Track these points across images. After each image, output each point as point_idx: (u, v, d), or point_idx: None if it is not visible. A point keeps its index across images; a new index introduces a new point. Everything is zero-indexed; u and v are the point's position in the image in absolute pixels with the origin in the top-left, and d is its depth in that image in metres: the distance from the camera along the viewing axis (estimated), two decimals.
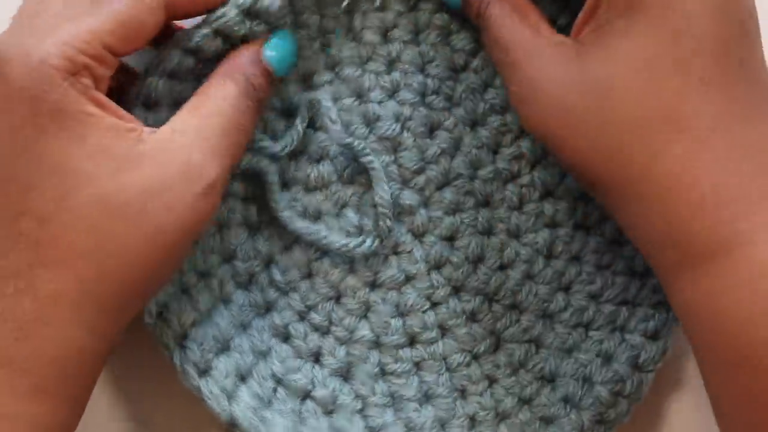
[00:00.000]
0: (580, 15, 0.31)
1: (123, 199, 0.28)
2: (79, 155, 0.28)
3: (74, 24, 0.29)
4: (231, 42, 0.32)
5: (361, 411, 0.35)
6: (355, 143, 0.35)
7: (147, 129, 0.30)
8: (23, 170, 0.28)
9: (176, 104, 0.32)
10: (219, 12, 0.32)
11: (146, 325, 0.34)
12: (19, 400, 0.28)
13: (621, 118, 0.29)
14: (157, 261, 0.29)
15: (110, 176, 0.28)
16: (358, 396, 0.35)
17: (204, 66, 0.33)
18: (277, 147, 0.35)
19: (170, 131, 0.30)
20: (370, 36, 0.36)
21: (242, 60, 0.32)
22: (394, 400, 0.36)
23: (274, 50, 0.33)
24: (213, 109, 0.31)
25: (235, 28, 0.32)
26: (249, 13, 0.32)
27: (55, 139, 0.28)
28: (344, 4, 0.35)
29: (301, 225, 0.35)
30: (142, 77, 0.33)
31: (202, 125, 0.30)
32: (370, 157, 0.35)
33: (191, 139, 0.30)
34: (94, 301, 0.28)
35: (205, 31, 0.32)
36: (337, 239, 0.35)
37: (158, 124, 0.30)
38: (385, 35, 0.36)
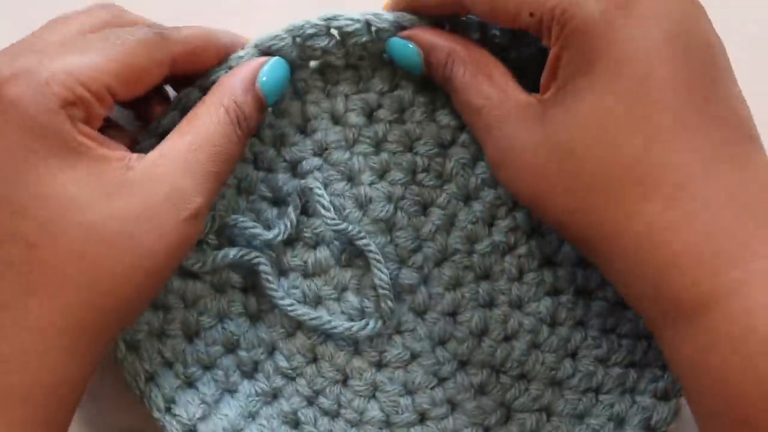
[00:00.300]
0: (544, 73, 0.30)
1: (111, 226, 0.29)
2: (68, 181, 0.28)
3: (82, 56, 0.29)
4: None
5: None
6: (350, 228, 0.35)
7: (135, 155, 0.30)
8: (12, 192, 0.28)
9: None
10: (240, 53, 0.33)
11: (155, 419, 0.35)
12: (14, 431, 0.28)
13: (587, 180, 0.29)
14: (143, 286, 0.30)
15: (99, 203, 0.28)
16: None
17: None
18: (270, 235, 0.35)
19: (158, 156, 0.30)
20: (355, 118, 0.36)
21: (235, 84, 0.32)
22: None
23: (267, 77, 0.33)
24: (202, 135, 0.31)
25: None
26: (264, 54, 0.33)
27: (45, 163, 0.28)
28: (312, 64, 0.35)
29: (302, 311, 0.35)
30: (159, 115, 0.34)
31: (189, 151, 0.30)
32: (365, 241, 0.35)
33: (178, 164, 0.30)
34: (81, 328, 0.29)
35: (223, 71, 0.33)
36: (340, 323, 0.35)
37: None
38: (370, 116, 0.36)
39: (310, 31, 0.33)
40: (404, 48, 0.33)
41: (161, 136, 0.32)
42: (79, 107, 0.29)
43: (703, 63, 0.28)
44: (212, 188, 0.31)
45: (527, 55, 0.34)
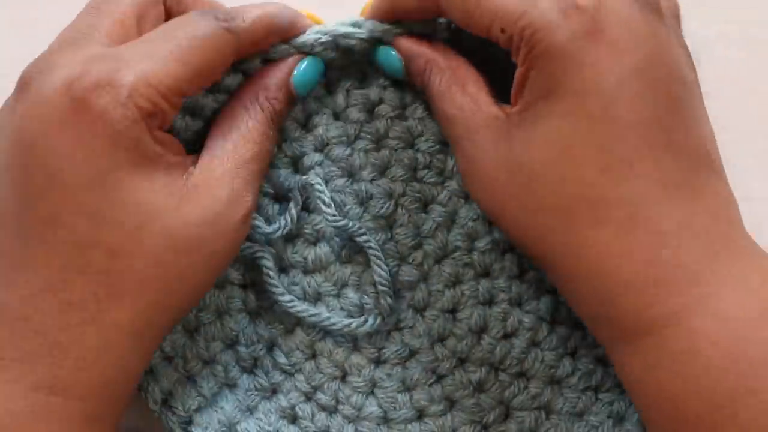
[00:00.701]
0: (513, 88, 0.31)
1: (186, 231, 0.30)
2: (148, 191, 0.29)
3: (156, 63, 0.29)
4: None
5: None
6: (350, 225, 0.35)
7: (190, 158, 0.31)
8: (95, 202, 0.29)
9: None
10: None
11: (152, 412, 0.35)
12: (72, 428, 0.29)
13: (543, 203, 0.30)
14: (207, 284, 0.32)
15: (174, 210, 0.30)
16: None
17: None
18: (270, 229, 0.35)
19: (210, 159, 0.31)
20: (356, 114, 0.36)
21: (271, 82, 0.33)
22: None
23: (303, 75, 0.34)
24: (244, 135, 0.32)
25: None
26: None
27: (128, 174, 0.29)
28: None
29: (302, 308, 0.35)
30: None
31: (235, 152, 0.32)
32: (365, 237, 0.35)
33: (230, 166, 0.31)
34: (149, 327, 0.30)
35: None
36: (339, 320, 0.35)
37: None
38: (371, 112, 0.36)
39: (318, 49, 0.34)
40: (387, 54, 0.34)
41: (192, 112, 0.33)
42: (158, 117, 0.29)
43: (669, 95, 0.29)
44: (257, 186, 0.33)
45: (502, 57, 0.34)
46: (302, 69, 0.34)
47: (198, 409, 0.35)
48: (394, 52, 0.34)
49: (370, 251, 0.35)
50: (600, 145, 0.28)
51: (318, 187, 0.35)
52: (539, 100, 0.29)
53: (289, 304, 0.35)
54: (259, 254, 0.35)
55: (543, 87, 0.29)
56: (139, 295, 0.29)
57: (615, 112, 0.28)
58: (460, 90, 0.32)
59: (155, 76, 0.29)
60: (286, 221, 0.35)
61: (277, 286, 0.35)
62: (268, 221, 0.36)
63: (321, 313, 0.35)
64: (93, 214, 0.29)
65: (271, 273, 0.35)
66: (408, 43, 0.34)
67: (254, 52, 0.33)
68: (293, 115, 0.36)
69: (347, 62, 0.35)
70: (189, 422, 0.35)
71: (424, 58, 0.33)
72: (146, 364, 0.32)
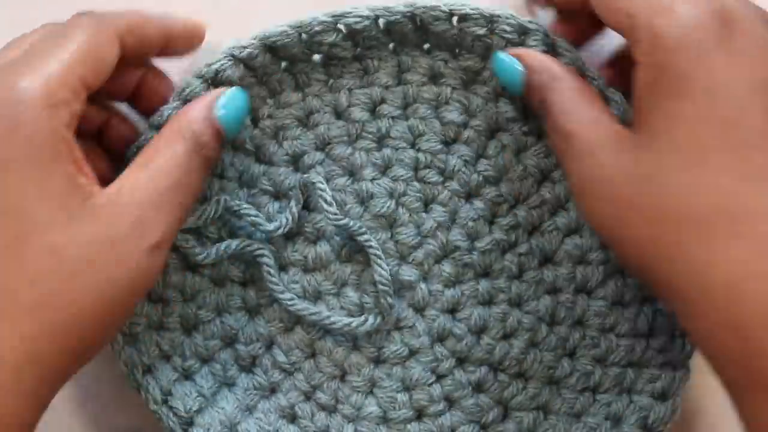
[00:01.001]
0: (636, 89, 0.29)
1: (73, 251, 0.27)
2: (35, 198, 0.27)
3: (51, 58, 0.29)
4: None
5: None
6: (351, 224, 0.35)
7: (93, 180, 0.29)
8: None
9: None
10: (185, 84, 0.33)
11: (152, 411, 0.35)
12: None
13: (674, 214, 0.27)
14: (104, 317, 0.29)
15: (63, 226, 0.27)
16: None
17: None
18: (271, 227, 0.35)
19: (121, 187, 0.30)
20: (358, 113, 0.36)
21: (193, 115, 0.32)
22: None
23: (225, 109, 0.32)
24: (162, 167, 0.30)
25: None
26: (214, 83, 0.33)
27: (17, 175, 0.27)
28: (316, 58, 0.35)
29: (302, 307, 0.35)
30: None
31: (151, 183, 0.30)
32: (366, 236, 0.35)
33: (141, 196, 0.29)
34: (35, 364, 0.27)
35: (175, 104, 0.33)
36: (339, 319, 0.35)
37: None
38: (373, 111, 0.36)
39: (318, 28, 0.34)
40: (509, 65, 0.33)
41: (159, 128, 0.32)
42: (62, 108, 0.28)
43: None
44: (175, 220, 0.30)
45: None
46: (224, 101, 0.32)
47: (199, 410, 0.35)
48: (517, 65, 0.33)
49: (371, 250, 0.35)
50: (737, 151, 0.26)
51: (320, 185, 0.35)
52: (668, 101, 0.27)
53: (289, 303, 0.35)
54: (259, 252, 0.35)
55: (672, 86, 0.27)
56: (17, 318, 0.27)
57: (751, 120, 0.27)
58: (584, 107, 0.31)
59: (50, 67, 0.28)
60: (287, 219, 0.35)
61: (277, 284, 0.35)
62: (269, 219, 0.36)
63: (321, 312, 0.35)
64: None
65: (271, 271, 0.35)
66: (534, 55, 0.33)
67: (140, 40, 0.32)
68: (294, 113, 0.36)
69: (351, 58, 0.35)
70: (190, 423, 0.35)
71: (550, 73, 0.32)
72: (40, 413, 0.28)
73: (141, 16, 0.32)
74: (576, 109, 0.31)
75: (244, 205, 0.35)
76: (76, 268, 0.28)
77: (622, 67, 0.35)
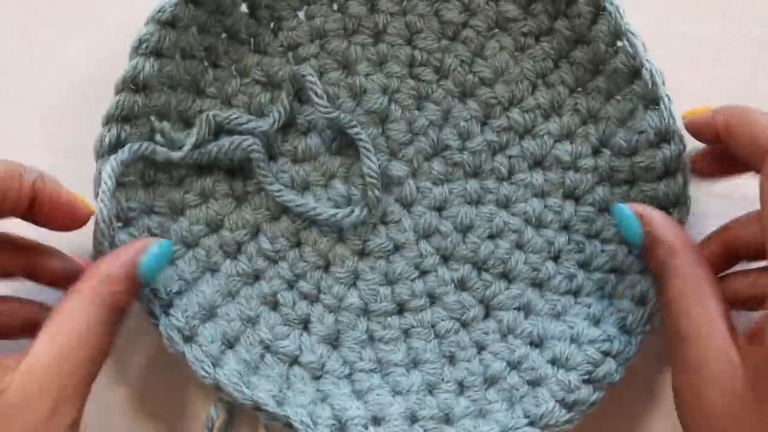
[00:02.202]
0: (749, 330, 0.28)
1: None
2: None
3: None
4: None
5: (348, 376, 0.36)
6: (341, 116, 0.35)
7: (11, 362, 0.28)
8: None
9: None
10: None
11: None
12: None
13: None
14: None
15: None
16: (345, 362, 0.36)
17: None
18: (265, 125, 0.35)
19: (32, 368, 0.28)
20: (356, 8, 0.36)
21: (113, 273, 0.30)
22: (382, 366, 0.36)
23: (149, 264, 0.31)
24: (74, 339, 0.29)
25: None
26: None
27: None
28: None
29: (288, 198, 0.36)
30: None
31: (62, 359, 0.28)
32: (356, 129, 0.35)
33: (53, 377, 0.28)
34: None
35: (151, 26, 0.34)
36: (325, 210, 0.36)
37: None
38: (372, 6, 0.36)
39: None
40: (631, 224, 0.32)
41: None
42: None
43: None
44: (85, 391, 0.29)
45: None
46: (152, 255, 0.32)
47: (179, 293, 0.35)
48: (637, 224, 0.32)
49: (360, 143, 0.35)
50: None
51: (310, 78, 0.35)
52: None
53: (277, 194, 0.35)
54: (251, 147, 0.35)
55: None
56: None
57: None
58: (701, 308, 0.29)
59: None
60: (279, 113, 0.35)
61: (266, 175, 0.35)
62: (261, 110, 0.36)
63: (307, 203, 0.36)
64: None
65: (261, 164, 0.35)
66: (656, 219, 0.31)
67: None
68: (291, 3, 0.36)
69: None
70: (170, 305, 0.35)
71: (670, 248, 0.30)
72: None
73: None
74: (689, 308, 0.29)
75: (234, 115, 0.35)
76: None
77: None
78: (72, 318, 0.29)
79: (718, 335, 0.29)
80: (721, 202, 0.36)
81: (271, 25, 0.36)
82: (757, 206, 0.29)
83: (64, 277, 0.33)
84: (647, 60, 0.33)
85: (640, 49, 0.33)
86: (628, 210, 0.32)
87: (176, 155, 0.34)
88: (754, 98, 0.32)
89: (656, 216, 0.32)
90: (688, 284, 0.30)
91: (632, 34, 0.33)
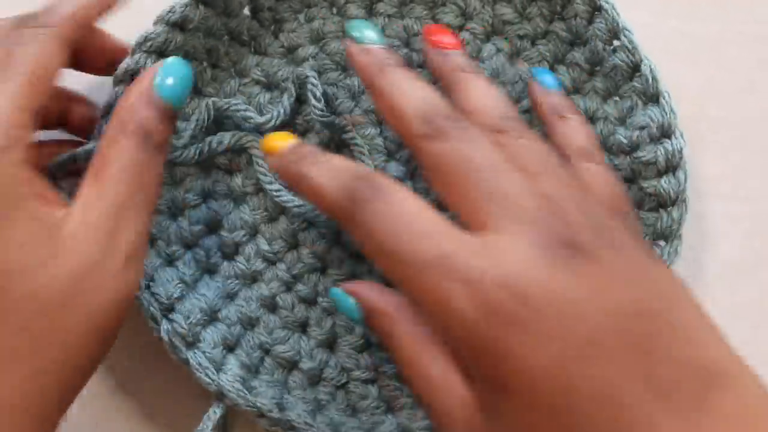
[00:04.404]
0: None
1: (55, 290, 0.27)
2: (11, 244, 0.26)
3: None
4: None
5: (344, 385, 0.36)
6: (336, 121, 0.35)
7: (60, 209, 0.28)
8: None
9: None
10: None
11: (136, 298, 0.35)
12: None
13: None
14: (93, 345, 0.28)
15: (41, 267, 0.27)
16: (343, 369, 0.36)
17: None
18: (262, 120, 0.35)
19: (80, 207, 0.28)
20: (355, 10, 0.36)
21: (133, 104, 0.30)
22: (378, 374, 0.36)
23: (167, 83, 0.30)
24: (113, 174, 0.29)
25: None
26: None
27: None
28: None
29: (287, 198, 0.36)
30: None
31: (107, 198, 0.28)
32: (351, 134, 0.36)
33: (100, 213, 0.28)
34: (33, 408, 0.27)
35: (138, 56, 0.34)
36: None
37: None
38: (370, 9, 0.36)
39: None
40: (343, 301, 0.32)
41: None
42: (18, 148, 0.27)
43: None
44: (139, 226, 0.29)
45: None
46: (162, 72, 0.30)
47: (180, 297, 0.35)
48: (351, 300, 0.31)
49: (356, 148, 0.36)
50: None
51: (312, 80, 0.35)
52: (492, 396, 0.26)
53: (276, 194, 0.36)
54: (250, 144, 0.35)
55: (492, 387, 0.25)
56: (8, 368, 0.26)
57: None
58: (430, 365, 0.28)
59: (5, 108, 0.27)
60: (279, 112, 0.36)
61: (265, 175, 0.36)
62: (259, 109, 0.36)
63: (305, 204, 0.36)
64: None
65: (260, 162, 0.36)
66: (365, 294, 0.31)
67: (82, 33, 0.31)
68: (293, 6, 0.36)
69: None
70: (171, 309, 0.35)
71: (387, 317, 0.30)
72: None
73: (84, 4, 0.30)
74: (421, 367, 0.29)
75: (234, 101, 0.35)
76: (60, 305, 0.27)
77: None
78: (105, 159, 0.29)
79: (452, 386, 0.28)
80: (722, 202, 0.36)
81: (272, 27, 0.37)
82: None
83: (92, 125, 0.34)
84: (646, 56, 0.33)
85: (639, 44, 0.33)
86: (335, 289, 0.32)
87: (178, 143, 0.35)
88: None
89: (365, 288, 0.31)
90: (415, 342, 0.29)
91: (629, 31, 0.34)
